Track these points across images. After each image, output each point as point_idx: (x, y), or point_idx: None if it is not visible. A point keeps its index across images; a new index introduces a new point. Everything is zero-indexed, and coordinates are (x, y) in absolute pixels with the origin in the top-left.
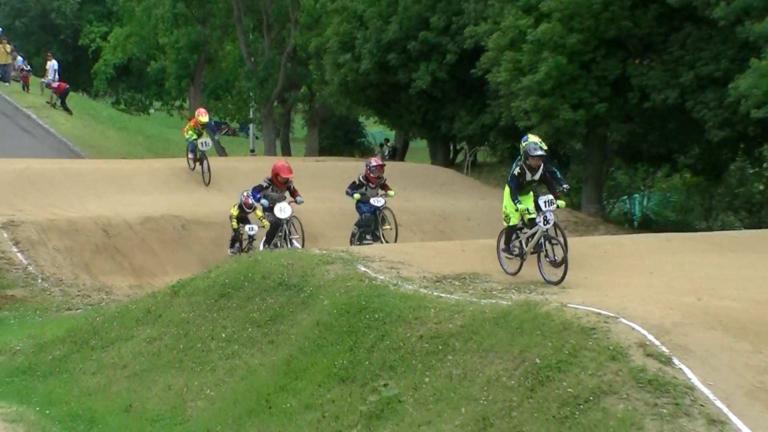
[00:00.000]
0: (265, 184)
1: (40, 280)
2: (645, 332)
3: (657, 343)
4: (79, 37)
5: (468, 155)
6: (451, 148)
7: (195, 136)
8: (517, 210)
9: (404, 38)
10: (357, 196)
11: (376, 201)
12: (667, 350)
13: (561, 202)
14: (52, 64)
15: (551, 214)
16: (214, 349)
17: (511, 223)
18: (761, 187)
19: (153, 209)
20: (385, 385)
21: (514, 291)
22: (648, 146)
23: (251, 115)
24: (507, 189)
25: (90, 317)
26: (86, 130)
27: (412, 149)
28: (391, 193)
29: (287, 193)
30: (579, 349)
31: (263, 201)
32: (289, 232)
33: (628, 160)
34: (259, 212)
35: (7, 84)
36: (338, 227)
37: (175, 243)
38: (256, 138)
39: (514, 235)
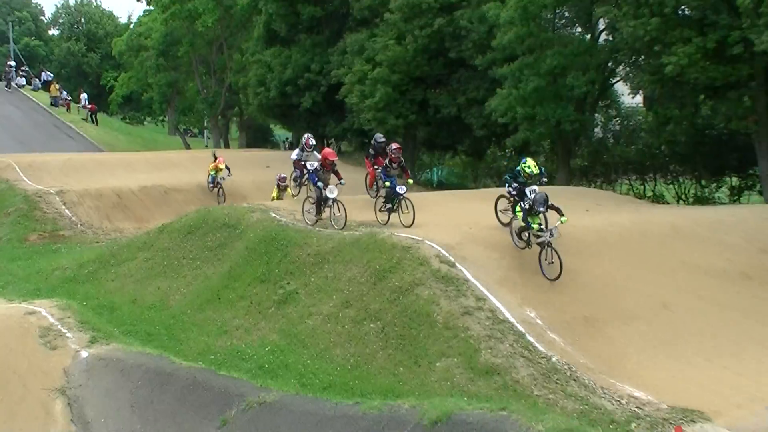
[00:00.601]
0: (317, 166)
1: (79, 225)
2: (439, 248)
3: (447, 254)
4: (100, 79)
5: (336, 147)
6: (325, 142)
7: (214, 173)
8: (531, 227)
9: (296, 77)
10: (387, 184)
11: (400, 189)
12: (452, 258)
13: (565, 219)
14: (84, 96)
15: (555, 229)
16: (185, 264)
17: (531, 229)
18: (505, 163)
19: (147, 181)
20: (287, 284)
21: (363, 227)
22: (440, 140)
23: (205, 124)
24: (520, 213)
25: (110, 246)
26: (106, 135)
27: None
28: (410, 181)
29: (332, 175)
30: (401, 259)
31: (319, 184)
32: (335, 211)
33: (429, 148)
34: (291, 190)
35: (57, 108)
36: (259, 191)
37: (161, 201)
38: (209, 138)
39: (525, 233)
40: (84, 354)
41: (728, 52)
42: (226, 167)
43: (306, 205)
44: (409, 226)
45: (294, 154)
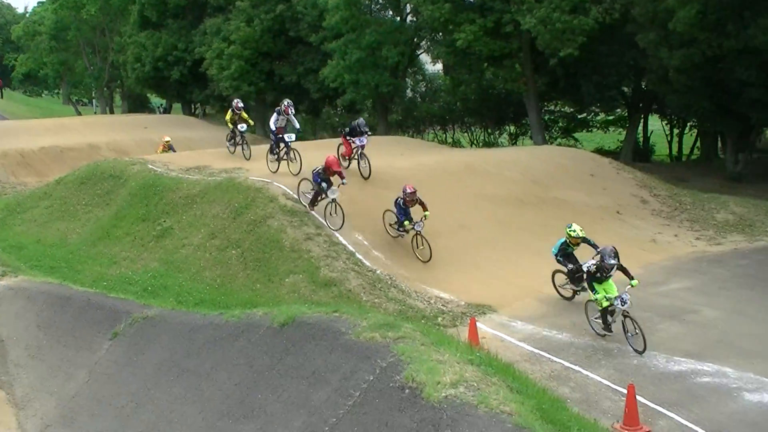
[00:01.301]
0: (319, 169)
1: None
2: (285, 188)
3: (291, 192)
4: (3, 60)
5: (201, 111)
6: (192, 107)
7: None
8: (599, 298)
9: (165, 54)
10: (406, 222)
11: (418, 226)
12: (296, 196)
13: (635, 282)
14: None
15: (627, 295)
16: (80, 209)
17: (603, 307)
18: (337, 119)
19: (46, 143)
20: (164, 221)
21: (224, 173)
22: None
23: (93, 95)
24: (597, 296)
25: (16, 197)
26: (9, 106)
27: (174, 109)
28: (427, 213)
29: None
30: (255, 198)
31: (323, 185)
32: (331, 211)
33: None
34: (245, 115)
35: None
36: (138, 147)
37: (58, 159)
38: (97, 106)
39: (608, 315)
40: None
41: (503, 30)
42: (171, 147)
43: (303, 185)
44: (427, 261)
45: (272, 122)
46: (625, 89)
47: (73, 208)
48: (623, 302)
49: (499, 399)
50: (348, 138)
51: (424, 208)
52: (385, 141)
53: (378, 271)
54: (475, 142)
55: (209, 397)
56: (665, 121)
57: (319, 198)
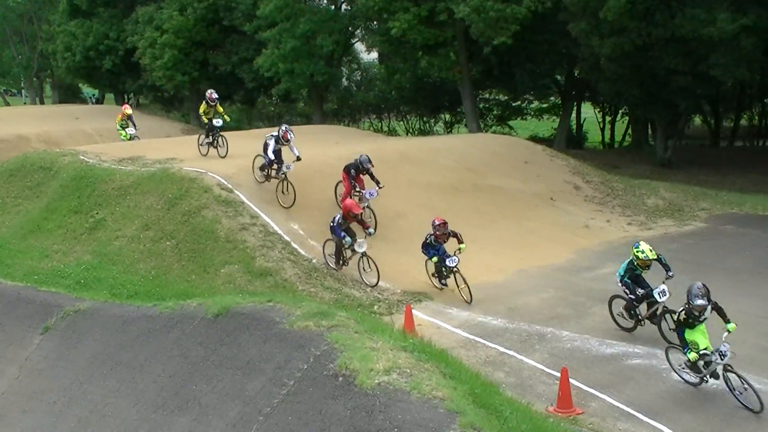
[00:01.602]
0: (339, 219)
1: None
2: (220, 178)
3: (226, 183)
4: None
5: (134, 101)
6: (125, 97)
7: (122, 125)
8: (691, 354)
9: (97, 43)
10: (434, 259)
11: (451, 261)
12: (230, 186)
13: (732, 326)
14: None
15: (725, 346)
16: (9, 202)
17: (694, 360)
18: (272, 108)
19: None
20: (96, 213)
21: (158, 164)
22: (219, 92)
23: (22, 85)
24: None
25: None
26: None
27: (107, 99)
28: (462, 246)
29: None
30: (189, 188)
31: (347, 239)
32: (364, 266)
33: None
34: (221, 108)
35: None
36: (70, 138)
37: None
38: (26, 96)
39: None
40: None
41: (437, 19)
42: (130, 118)
43: (327, 248)
44: (470, 302)
45: (269, 151)
46: (558, 77)
47: (1, 201)
48: (723, 355)
49: (432, 385)
50: (353, 183)
51: (459, 241)
52: (320, 130)
53: (314, 260)
54: (410, 130)
55: (143, 389)
56: (598, 109)
57: (344, 254)
